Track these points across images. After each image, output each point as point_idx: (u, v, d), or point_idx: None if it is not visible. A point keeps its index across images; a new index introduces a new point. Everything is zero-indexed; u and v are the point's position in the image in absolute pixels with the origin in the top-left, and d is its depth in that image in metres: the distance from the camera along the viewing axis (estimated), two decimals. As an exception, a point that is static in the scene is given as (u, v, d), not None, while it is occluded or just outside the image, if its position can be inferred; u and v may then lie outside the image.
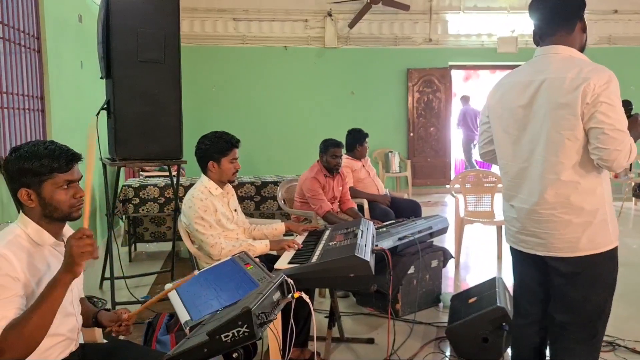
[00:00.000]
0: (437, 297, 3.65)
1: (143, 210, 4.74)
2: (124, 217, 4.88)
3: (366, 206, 4.46)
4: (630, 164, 1.89)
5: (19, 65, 3.66)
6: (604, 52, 8.18)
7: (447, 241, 4.97)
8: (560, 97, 1.79)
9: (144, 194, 4.73)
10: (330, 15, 8.32)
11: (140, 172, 6.12)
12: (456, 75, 9.51)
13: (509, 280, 2.25)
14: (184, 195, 2.94)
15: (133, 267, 4.69)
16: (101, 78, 3.52)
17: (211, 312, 1.85)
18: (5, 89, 3.46)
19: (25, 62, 3.76)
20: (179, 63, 3.43)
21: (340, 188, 4.28)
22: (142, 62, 3.30)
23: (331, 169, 4.14)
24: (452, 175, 9.17)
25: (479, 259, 4.92)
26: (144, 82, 3.32)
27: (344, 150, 4.33)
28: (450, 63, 8.85)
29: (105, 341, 1.99)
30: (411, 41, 8.67)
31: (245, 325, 1.42)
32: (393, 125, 8.82)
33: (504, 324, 2.66)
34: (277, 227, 3.08)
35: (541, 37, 1.97)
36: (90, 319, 1.83)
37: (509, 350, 2.58)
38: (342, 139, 4.42)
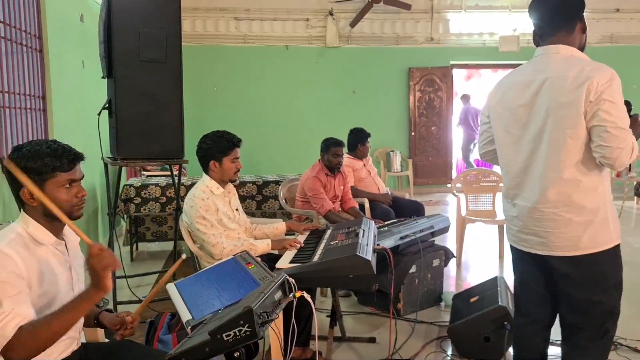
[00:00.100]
0: (439, 297, 3.65)
1: (145, 209, 4.75)
2: (125, 216, 4.89)
3: (367, 205, 4.46)
4: (630, 164, 1.89)
5: (20, 64, 3.67)
6: (605, 51, 8.17)
7: (449, 240, 4.97)
8: (563, 96, 1.79)
9: (145, 194, 4.74)
10: (331, 14, 8.32)
11: (142, 172, 6.12)
12: (458, 75, 9.50)
13: (510, 279, 2.25)
14: (186, 195, 2.95)
15: (135, 267, 4.69)
16: (103, 77, 3.52)
17: (213, 311, 1.85)
18: (7, 88, 3.46)
19: (26, 61, 3.77)
20: (181, 62, 3.43)
21: (342, 187, 4.28)
22: (144, 62, 3.30)
23: (332, 168, 4.14)
24: (454, 174, 9.16)
25: (480, 258, 4.92)
26: (145, 81, 3.32)
27: (345, 150, 4.33)
28: (452, 62, 8.84)
29: (107, 340, 1.99)
30: (413, 40, 8.66)
31: (247, 325, 1.42)
32: (394, 125, 8.82)
33: (505, 323, 2.66)
34: (278, 226, 3.08)
35: (541, 37, 1.97)
36: (92, 320, 1.84)
37: (510, 350, 2.58)
38: (344, 138, 4.42)
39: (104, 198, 5.12)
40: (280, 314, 1.80)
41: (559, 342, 2.70)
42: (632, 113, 1.99)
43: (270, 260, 2.67)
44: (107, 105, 3.43)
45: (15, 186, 1.61)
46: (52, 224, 1.64)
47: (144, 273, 4.31)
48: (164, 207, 4.77)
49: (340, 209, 4.26)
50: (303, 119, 8.51)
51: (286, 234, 3.12)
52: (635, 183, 7.35)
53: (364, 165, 4.84)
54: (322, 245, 2.57)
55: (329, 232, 2.87)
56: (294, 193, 4.41)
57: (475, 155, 9.54)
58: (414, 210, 4.50)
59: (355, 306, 3.63)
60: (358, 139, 4.80)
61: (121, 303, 3.51)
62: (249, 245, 2.72)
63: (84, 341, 1.85)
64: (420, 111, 8.85)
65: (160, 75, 3.36)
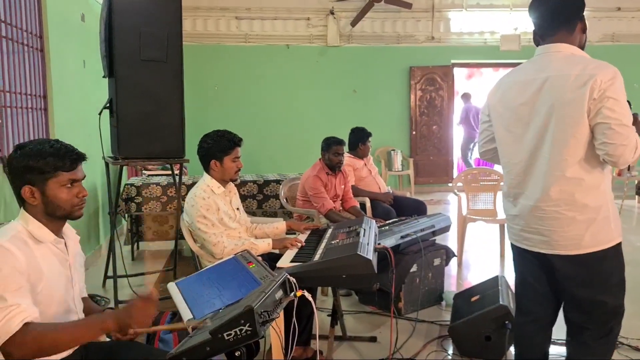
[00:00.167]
0: (440, 296, 3.64)
1: (145, 208, 4.75)
2: (126, 215, 4.89)
3: (368, 204, 4.46)
4: (629, 164, 1.89)
5: (21, 64, 3.67)
6: (607, 50, 8.16)
7: (450, 239, 4.96)
8: (566, 94, 1.79)
9: (146, 193, 4.74)
10: (332, 13, 8.32)
11: (143, 171, 6.13)
12: (459, 73, 9.49)
13: (511, 278, 2.25)
14: (187, 194, 2.95)
15: (136, 266, 4.69)
16: (104, 77, 3.53)
17: (213, 310, 1.85)
18: (8, 87, 3.46)
19: (28, 61, 3.77)
20: (182, 62, 3.43)
21: (343, 186, 4.28)
22: (145, 61, 3.30)
23: (333, 166, 4.14)
24: (455, 173, 9.16)
25: (481, 257, 4.91)
26: (146, 81, 3.33)
27: (346, 149, 4.33)
28: (453, 61, 8.83)
29: (108, 339, 1.99)
30: (414, 39, 8.65)
31: (248, 324, 1.42)
32: (395, 124, 8.81)
33: (506, 322, 2.65)
34: (279, 225, 3.08)
35: (541, 37, 1.97)
36: None
37: (512, 349, 2.58)
38: (345, 138, 4.43)
39: (105, 197, 5.12)
40: (281, 313, 1.80)
41: (561, 341, 2.71)
42: (632, 112, 1.99)
43: (271, 259, 2.67)
44: (108, 105, 3.43)
45: (17, 184, 1.61)
46: (52, 222, 1.65)
47: (145, 272, 4.31)
48: (164, 207, 4.77)
49: (340, 208, 4.26)
50: (304, 118, 8.51)
51: (287, 233, 3.12)
52: (636, 182, 7.34)
53: (365, 164, 4.84)
54: (323, 245, 2.57)
55: (329, 231, 2.87)
56: (295, 192, 4.41)
57: (475, 154, 9.54)
58: (416, 209, 4.49)
59: (356, 305, 3.63)
60: (359, 138, 4.80)
61: (122, 302, 3.52)
62: (250, 244, 2.72)
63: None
64: (421, 110, 8.84)
65: (161, 75, 3.36)
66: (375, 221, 3.13)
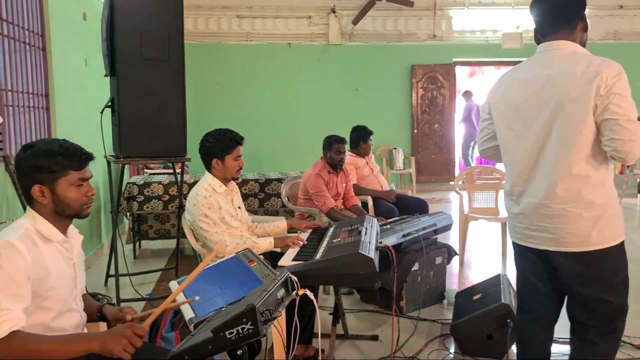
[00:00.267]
0: (442, 294, 3.64)
1: (147, 207, 4.76)
2: (128, 214, 4.90)
3: (370, 203, 4.45)
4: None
5: (23, 63, 3.68)
6: (609, 48, 8.13)
7: (452, 238, 4.96)
8: (571, 92, 1.79)
9: (148, 192, 4.75)
10: (334, 11, 8.30)
11: (145, 170, 6.13)
12: (460, 72, 9.48)
13: (513, 276, 2.25)
14: (188, 193, 2.95)
15: (137, 265, 4.70)
16: (105, 76, 3.53)
17: (215, 309, 1.85)
18: (10, 86, 3.47)
19: (30, 60, 3.78)
20: (183, 61, 3.43)
21: (344, 185, 4.28)
22: (146, 60, 3.30)
23: (335, 165, 4.14)
24: (457, 171, 9.15)
25: (483, 255, 4.91)
26: (148, 79, 3.33)
27: (347, 147, 4.32)
28: (455, 59, 8.82)
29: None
30: (415, 37, 8.64)
31: (250, 323, 1.42)
32: (397, 122, 8.80)
33: (508, 320, 2.65)
34: (280, 224, 3.08)
35: (543, 35, 1.97)
36: (95, 314, 1.85)
37: (513, 348, 2.58)
38: (346, 136, 4.42)
39: (106, 196, 5.12)
40: (283, 312, 1.80)
41: (562, 340, 2.71)
42: None
43: (272, 258, 2.67)
44: (109, 104, 3.43)
45: (26, 183, 1.62)
46: (60, 221, 1.67)
47: (146, 271, 4.32)
48: (166, 205, 4.78)
49: (342, 207, 4.26)
50: (305, 117, 8.51)
51: (288, 232, 3.12)
52: (638, 180, 7.33)
53: (367, 163, 4.83)
54: (324, 243, 2.57)
55: (331, 230, 2.87)
56: (297, 191, 4.41)
57: (476, 153, 9.52)
58: (419, 207, 4.48)
59: (357, 304, 3.63)
60: (360, 137, 4.80)
61: (124, 300, 3.52)
62: (252, 243, 2.72)
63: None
64: (422, 108, 8.83)
65: (162, 74, 3.36)
66: (377, 220, 3.13)
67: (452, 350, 2.92)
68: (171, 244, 5.09)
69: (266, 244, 2.78)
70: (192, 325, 1.82)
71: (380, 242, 2.55)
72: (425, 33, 8.63)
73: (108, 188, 3.72)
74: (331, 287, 3.62)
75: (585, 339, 1.96)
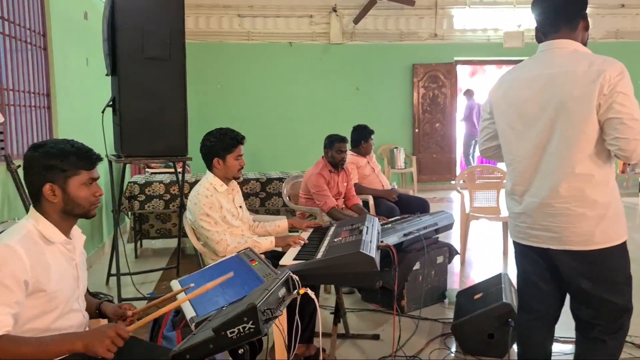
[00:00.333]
0: (443, 293, 3.64)
1: (149, 206, 4.76)
2: (129, 213, 4.90)
3: (371, 202, 4.45)
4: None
5: (24, 62, 3.68)
6: (611, 47, 8.12)
7: (453, 237, 4.96)
8: (574, 90, 1.78)
9: (149, 191, 4.75)
10: (335, 11, 8.30)
11: (146, 169, 6.14)
12: (462, 71, 9.47)
13: (514, 276, 2.25)
14: (189, 192, 2.95)
15: (139, 264, 4.71)
16: (107, 75, 3.53)
17: (217, 308, 1.85)
18: (12, 86, 3.47)
19: (31, 59, 3.78)
20: (184, 60, 3.43)
21: (345, 184, 4.28)
22: (148, 59, 3.31)
23: (336, 164, 4.14)
24: (458, 171, 9.14)
25: (484, 255, 4.91)
26: (149, 79, 3.33)
27: (348, 146, 4.32)
28: (456, 58, 8.81)
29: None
30: (416, 36, 8.63)
31: (251, 322, 1.42)
32: (398, 121, 8.80)
33: (509, 320, 2.65)
34: (280, 224, 3.08)
35: (544, 34, 1.97)
36: (94, 311, 1.85)
37: (515, 347, 2.58)
38: (347, 135, 4.42)
39: (108, 195, 5.11)
40: (284, 311, 1.80)
41: (563, 339, 2.71)
42: None
43: (273, 257, 2.67)
44: (111, 103, 3.44)
45: (36, 182, 1.62)
46: (66, 221, 1.67)
47: (148, 270, 4.32)
48: (167, 205, 4.78)
49: (343, 206, 4.26)
50: (306, 116, 8.51)
51: (289, 231, 3.12)
52: (640, 179, 7.32)
53: (368, 162, 4.83)
54: (325, 243, 2.57)
55: (332, 229, 2.87)
56: (298, 190, 4.41)
57: (477, 152, 9.52)
58: (420, 206, 4.48)
59: (359, 303, 3.63)
60: (361, 136, 4.79)
61: (125, 300, 3.53)
62: (253, 242, 2.73)
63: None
64: (424, 108, 8.83)
65: (163, 73, 3.37)
66: (379, 219, 3.13)
67: (454, 349, 2.92)
68: (172, 243, 5.09)
69: (267, 243, 2.78)
70: (194, 324, 1.82)
71: (382, 241, 2.55)
72: (426, 32, 8.62)
73: (109, 187, 3.72)
74: (332, 286, 3.62)
75: (592, 337, 1.96)
